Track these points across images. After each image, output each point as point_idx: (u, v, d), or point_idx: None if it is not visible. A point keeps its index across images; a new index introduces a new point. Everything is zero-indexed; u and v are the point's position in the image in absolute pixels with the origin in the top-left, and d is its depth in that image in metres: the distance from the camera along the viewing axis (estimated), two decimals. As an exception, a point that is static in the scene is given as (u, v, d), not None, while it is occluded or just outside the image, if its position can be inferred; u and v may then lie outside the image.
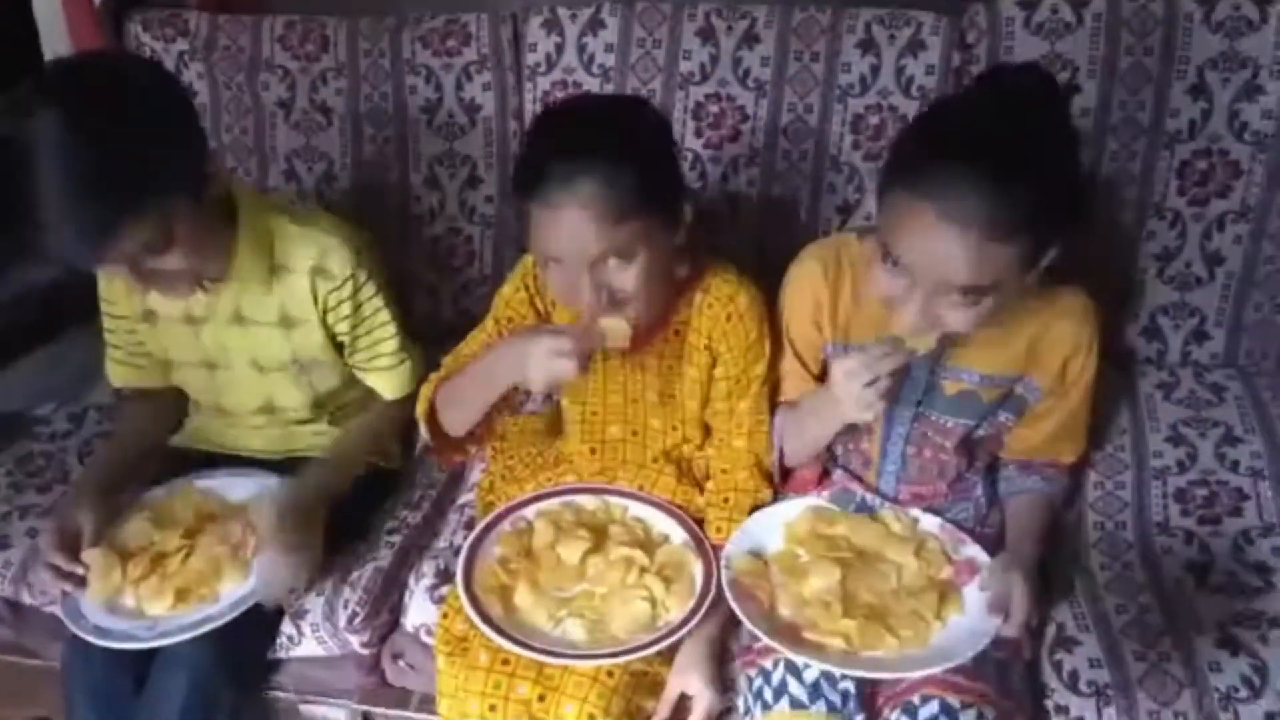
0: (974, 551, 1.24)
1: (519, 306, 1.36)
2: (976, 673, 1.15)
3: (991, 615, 1.14)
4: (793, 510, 1.31)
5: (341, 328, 1.42)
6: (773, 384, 1.35)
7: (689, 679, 1.22)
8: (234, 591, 1.30)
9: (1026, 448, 1.34)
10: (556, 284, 1.23)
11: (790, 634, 1.15)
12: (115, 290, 1.43)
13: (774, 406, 1.35)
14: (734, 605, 1.18)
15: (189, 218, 1.22)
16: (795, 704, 1.16)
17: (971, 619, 1.16)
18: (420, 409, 1.34)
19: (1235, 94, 1.47)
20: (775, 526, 1.30)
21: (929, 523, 1.29)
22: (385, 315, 1.44)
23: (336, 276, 1.38)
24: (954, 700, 1.13)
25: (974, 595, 1.18)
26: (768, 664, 1.20)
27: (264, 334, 1.41)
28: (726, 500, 1.34)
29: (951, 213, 1.02)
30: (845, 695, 1.17)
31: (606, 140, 1.16)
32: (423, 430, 1.34)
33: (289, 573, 1.32)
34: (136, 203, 1.16)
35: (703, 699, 1.22)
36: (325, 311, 1.40)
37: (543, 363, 1.16)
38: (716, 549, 1.29)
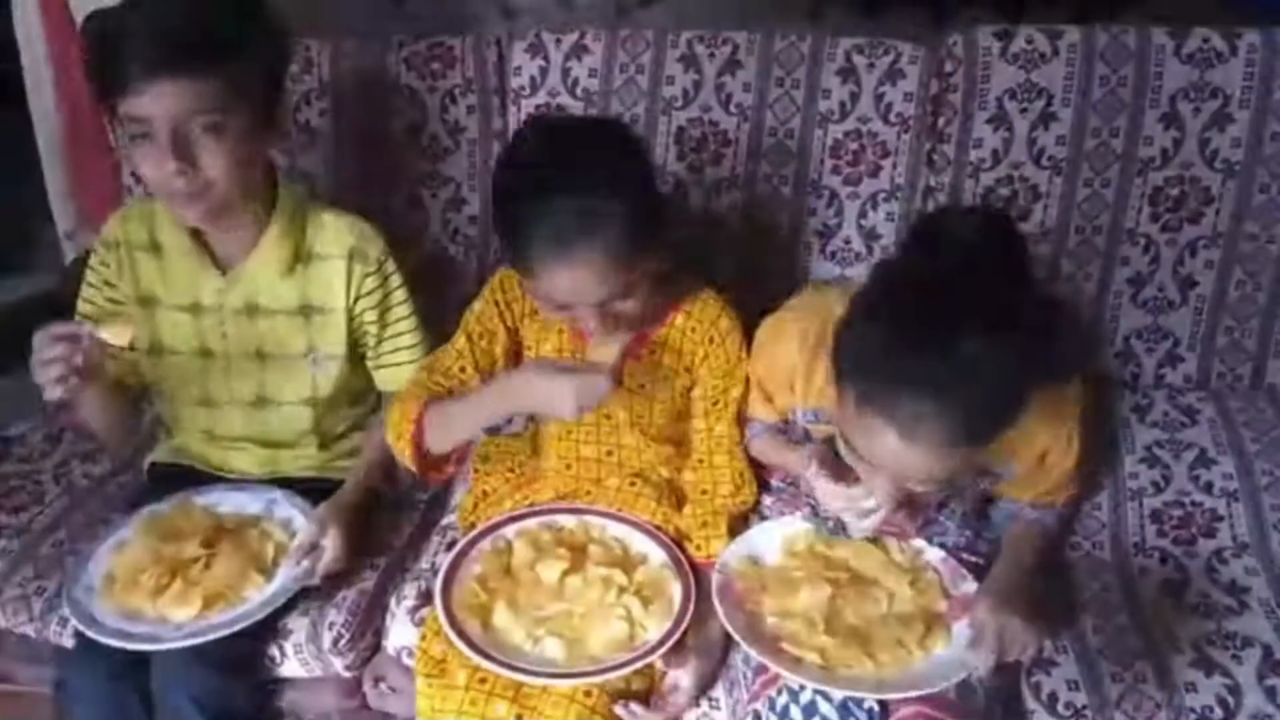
0: (972, 589, 1.22)
1: (489, 321, 1.37)
2: (965, 704, 1.14)
3: (972, 650, 1.12)
4: (793, 527, 1.32)
5: (370, 316, 1.44)
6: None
7: (683, 669, 1.22)
8: (260, 594, 1.30)
9: (1015, 493, 1.32)
10: (556, 314, 1.24)
11: (770, 644, 1.16)
12: (119, 268, 1.43)
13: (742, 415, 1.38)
14: (719, 609, 1.18)
15: (246, 121, 1.26)
16: None
17: (955, 652, 1.15)
18: (403, 429, 1.30)
19: (1206, 123, 1.51)
20: (775, 540, 1.30)
21: (933, 555, 1.27)
22: (410, 307, 1.47)
23: (372, 260, 1.42)
24: None
25: (963, 631, 1.17)
26: (773, 692, 1.19)
27: (279, 323, 1.42)
28: (705, 524, 1.34)
29: (913, 435, 0.99)
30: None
31: (591, 196, 1.13)
32: (402, 450, 1.31)
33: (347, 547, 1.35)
34: (221, 49, 1.22)
35: (683, 694, 1.21)
36: (357, 297, 1.42)
37: (579, 395, 1.17)
38: (698, 568, 1.30)
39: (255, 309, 1.41)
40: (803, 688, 1.16)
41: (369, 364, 1.50)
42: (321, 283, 1.42)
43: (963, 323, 0.98)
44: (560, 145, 1.20)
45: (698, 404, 1.36)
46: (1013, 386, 1.01)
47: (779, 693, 1.18)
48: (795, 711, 1.16)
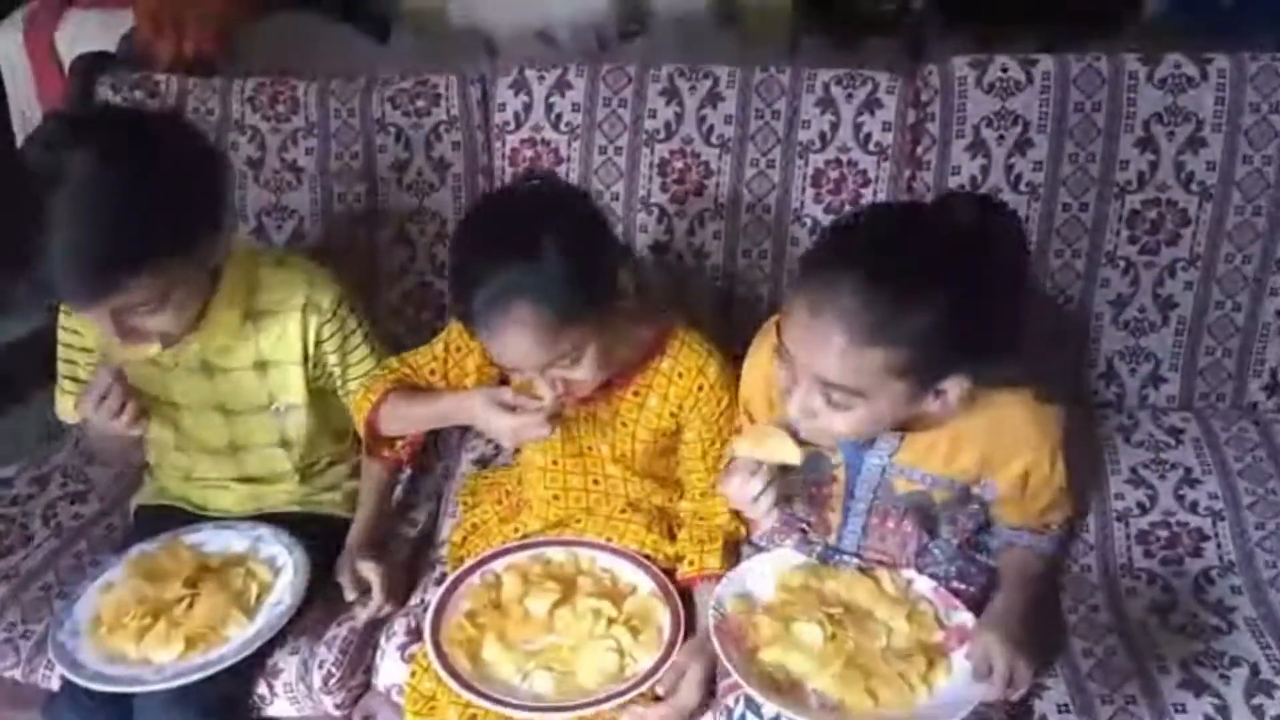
0: (966, 618, 1.21)
1: (467, 339, 1.38)
2: None
3: (976, 682, 1.12)
4: (785, 561, 1.31)
5: (333, 359, 1.44)
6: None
7: (691, 668, 1.22)
8: (241, 634, 1.29)
9: (1006, 520, 1.32)
10: (512, 375, 1.28)
11: (770, 683, 1.15)
12: (82, 321, 1.42)
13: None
14: (718, 649, 1.17)
15: (189, 282, 1.25)
16: None
17: (958, 685, 1.15)
18: (362, 405, 1.39)
19: (1180, 146, 1.53)
20: (768, 576, 1.29)
21: (923, 585, 1.27)
22: (370, 342, 1.48)
23: (327, 310, 1.41)
24: None
25: (962, 662, 1.17)
26: (730, 701, 1.20)
27: (236, 379, 1.42)
28: (701, 542, 1.35)
29: (818, 307, 1.03)
30: None
31: (526, 253, 1.14)
32: (358, 424, 1.41)
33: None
34: (148, 259, 1.18)
35: (687, 693, 1.21)
36: (316, 343, 1.42)
37: (517, 435, 1.27)
38: (689, 583, 1.31)
39: (210, 367, 1.41)
40: (738, 700, 1.17)
41: (342, 398, 1.50)
42: (274, 337, 1.41)
43: (907, 240, 1.05)
44: (506, 210, 1.24)
45: (693, 447, 1.36)
46: (941, 326, 1.02)
47: (736, 701, 1.18)
48: None
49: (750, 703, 1.18)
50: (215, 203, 1.28)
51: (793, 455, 1.12)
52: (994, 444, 1.21)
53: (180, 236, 1.21)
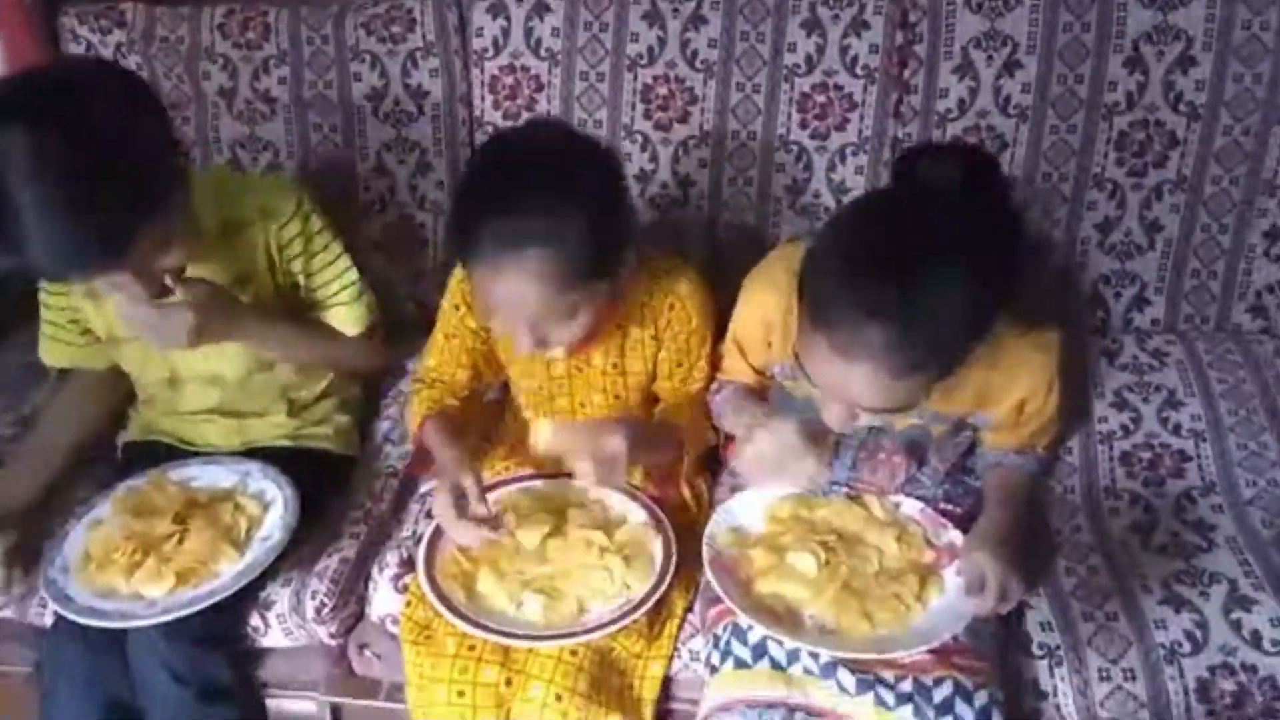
0: (955, 536, 1.24)
1: (458, 323, 1.38)
2: (980, 652, 1.17)
3: (968, 597, 1.14)
4: (774, 494, 1.32)
5: (296, 266, 1.42)
6: (714, 359, 1.38)
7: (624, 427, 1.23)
8: (232, 569, 1.30)
9: (997, 444, 1.33)
10: (493, 321, 1.23)
11: (768, 612, 1.17)
12: None
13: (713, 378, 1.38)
14: (713, 582, 1.19)
15: (180, 223, 1.22)
16: (739, 664, 1.18)
17: (950, 601, 1.17)
18: (413, 428, 1.39)
19: (1169, 66, 1.51)
20: (757, 509, 1.31)
21: (910, 508, 1.29)
22: (337, 248, 1.45)
23: (285, 213, 1.38)
24: (966, 681, 1.13)
25: (954, 579, 1.19)
26: (719, 630, 1.22)
27: None
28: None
29: (850, 353, 0.99)
30: (792, 655, 1.17)
31: (553, 202, 1.10)
32: (412, 440, 1.41)
33: (177, 324, 1.27)
34: (149, 206, 1.15)
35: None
36: (279, 250, 1.39)
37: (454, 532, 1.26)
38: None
39: None
40: (725, 628, 1.19)
41: (317, 314, 1.48)
42: (243, 250, 1.38)
43: (925, 255, 0.97)
44: (526, 152, 1.17)
45: (664, 365, 1.37)
46: (966, 326, 1.00)
47: (724, 629, 1.20)
48: (738, 647, 1.19)
49: (738, 630, 1.20)
50: (169, 152, 1.23)
51: (813, 477, 1.17)
52: (994, 378, 1.21)
53: (153, 199, 1.16)
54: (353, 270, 1.46)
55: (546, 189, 1.11)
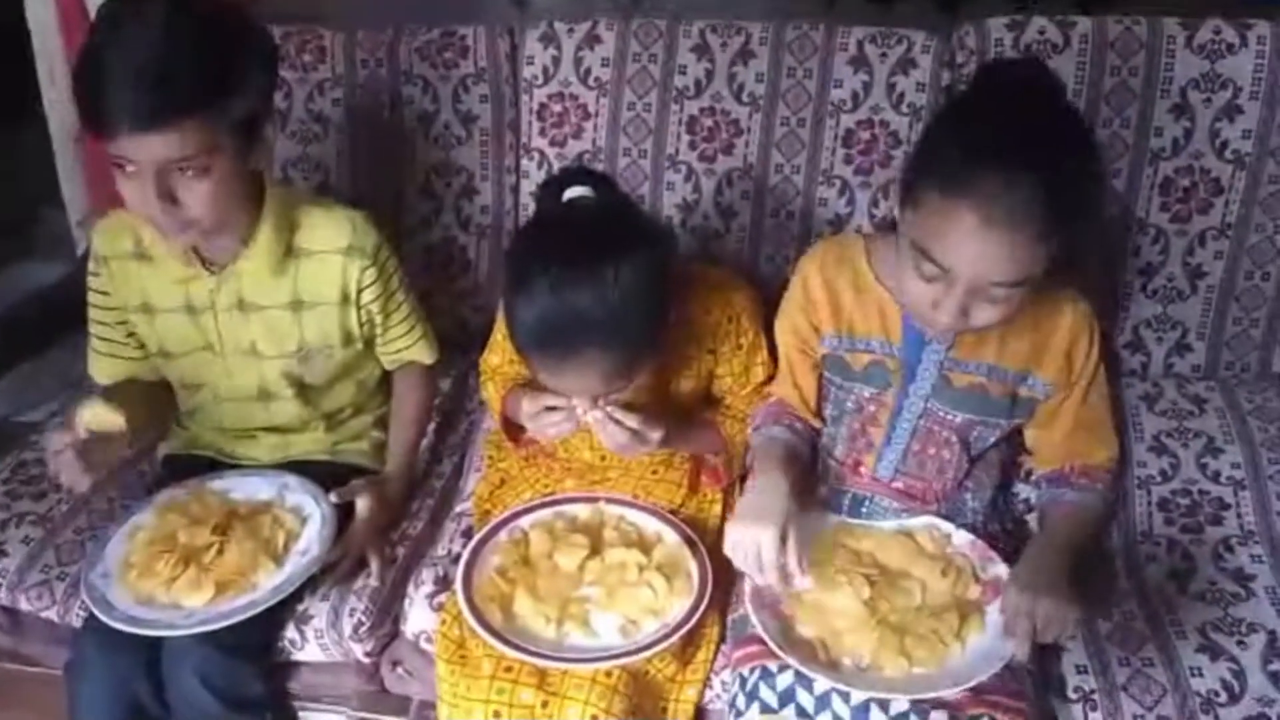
0: (1001, 570, 1.23)
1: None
2: (1017, 691, 1.16)
3: (1006, 637, 1.13)
4: (819, 523, 1.31)
5: (375, 306, 1.45)
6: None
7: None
8: (270, 582, 1.32)
9: (1052, 453, 1.34)
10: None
11: (806, 649, 1.17)
12: (111, 280, 1.43)
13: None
14: (752, 616, 1.19)
15: (231, 159, 1.25)
16: (765, 709, 1.17)
17: (989, 641, 1.16)
18: (495, 406, 1.47)
19: (1216, 114, 1.51)
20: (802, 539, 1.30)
21: (960, 540, 1.29)
22: (406, 291, 1.50)
23: (369, 253, 1.41)
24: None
25: (995, 616, 1.18)
26: (745, 671, 1.21)
27: (271, 318, 1.42)
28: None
29: (997, 217, 1.04)
30: (820, 702, 1.16)
31: (605, 294, 1.10)
32: (497, 421, 1.48)
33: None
34: (205, 95, 1.20)
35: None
36: (358, 290, 1.43)
37: (540, 428, 1.29)
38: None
39: (245, 306, 1.41)
40: (783, 669, 1.17)
41: (376, 348, 1.52)
42: (313, 278, 1.41)
43: (1056, 122, 1.10)
44: (572, 233, 1.16)
45: (722, 380, 1.40)
46: (1092, 195, 1.11)
47: (751, 671, 1.19)
48: (765, 692, 1.18)
49: (766, 673, 1.19)
50: (266, 77, 1.30)
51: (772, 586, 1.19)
52: (1042, 324, 1.27)
53: (232, 87, 1.22)
54: (414, 314, 1.51)
55: (589, 278, 1.11)
